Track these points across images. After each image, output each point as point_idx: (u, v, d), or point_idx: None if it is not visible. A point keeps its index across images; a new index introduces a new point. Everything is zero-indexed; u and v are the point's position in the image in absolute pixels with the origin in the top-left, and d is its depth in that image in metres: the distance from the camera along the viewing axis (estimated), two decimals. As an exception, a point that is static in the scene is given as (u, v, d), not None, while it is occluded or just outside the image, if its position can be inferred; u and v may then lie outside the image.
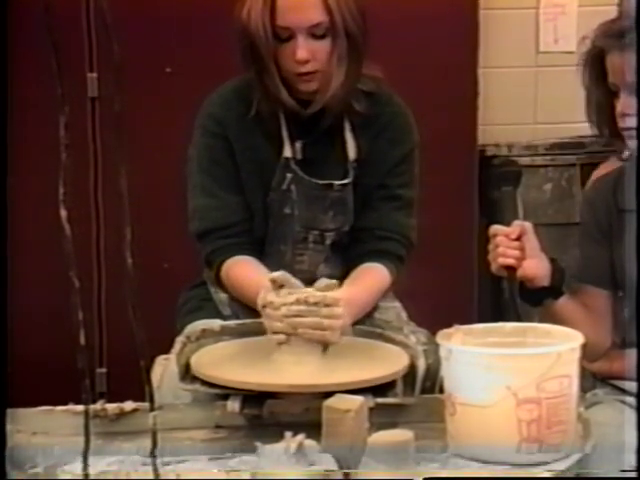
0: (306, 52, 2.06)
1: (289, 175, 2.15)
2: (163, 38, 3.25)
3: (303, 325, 1.75)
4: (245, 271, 2.10)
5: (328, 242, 2.20)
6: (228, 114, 2.17)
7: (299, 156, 2.16)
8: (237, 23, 2.09)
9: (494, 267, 1.95)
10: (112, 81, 1.22)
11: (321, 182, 2.16)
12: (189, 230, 2.20)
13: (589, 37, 1.95)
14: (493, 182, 2.06)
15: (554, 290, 1.98)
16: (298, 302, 1.75)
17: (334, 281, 1.84)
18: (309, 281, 2.05)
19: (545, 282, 1.96)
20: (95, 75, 3.23)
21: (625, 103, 1.88)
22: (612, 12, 2.96)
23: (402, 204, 2.22)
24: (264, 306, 1.78)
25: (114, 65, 1.20)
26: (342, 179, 2.18)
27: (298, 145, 2.17)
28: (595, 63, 1.94)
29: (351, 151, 2.18)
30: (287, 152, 2.15)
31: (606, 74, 1.92)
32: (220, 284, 2.17)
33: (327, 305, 1.76)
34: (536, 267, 1.94)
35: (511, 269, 1.93)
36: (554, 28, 3.73)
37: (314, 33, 2.06)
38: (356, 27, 2.08)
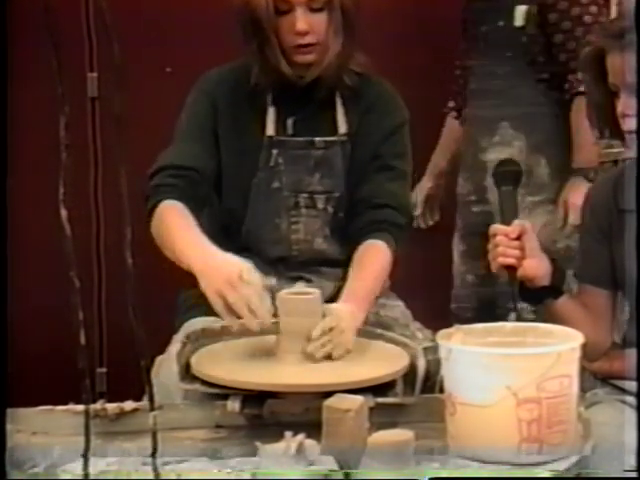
0: (305, 24, 2.12)
1: (275, 151, 2.19)
2: (163, 38, 3.26)
3: (326, 353, 1.79)
4: (176, 220, 2.04)
5: (320, 205, 2.21)
6: (220, 88, 2.22)
7: (290, 132, 2.20)
8: None
9: (494, 267, 1.95)
10: (112, 81, 1.22)
11: (302, 139, 2.20)
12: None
13: (588, 38, 1.95)
14: (493, 182, 2.06)
15: (554, 290, 1.98)
16: (323, 332, 1.79)
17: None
18: (307, 252, 2.07)
19: (545, 282, 1.96)
20: (95, 75, 3.23)
21: (625, 104, 1.88)
22: (612, 12, 2.97)
23: (396, 175, 2.24)
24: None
25: (114, 65, 1.20)
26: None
27: (290, 122, 2.20)
28: (595, 63, 1.94)
29: (341, 125, 2.22)
30: (270, 130, 2.19)
31: (606, 74, 1.92)
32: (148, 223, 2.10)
33: (342, 331, 1.81)
34: (536, 267, 1.94)
35: (511, 269, 1.93)
36: (554, 28, 3.72)
37: (312, 6, 2.12)
38: (351, 2, 2.16)
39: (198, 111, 2.23)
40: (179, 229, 2.00)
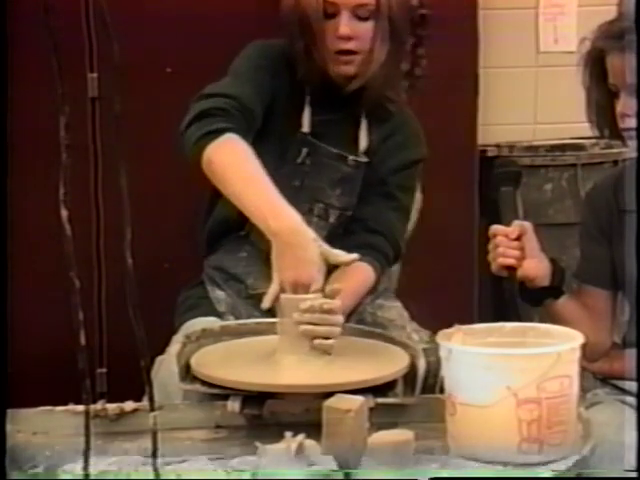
0: (348, 29, 2.11)
1: (305, 149, 2.18)
2: (163, 38, 3.25)
3: (317, 334, 1.76)
4: (257, 174, 1.88)
5: (332, 220, 2.21)
6: (279, 63, 2.18)
7: (318, 131, 2.19)
8: None
9: (494, 267, 1.95)
10: (112, 81, 1.22)
11: (335, 151, 2.19)
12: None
13: (589, 38, 1.95)
14: (493, 182, 2.07)
15: (554, 290, 1.98)
16: (313, 309, 1.76)
17: (340, 286, 1.85)
18: None
19: (545, 282, 1.97)
20: (95, 75, 3.22)
21: (625, 104, 1.88)
22: (612, 12, 2.95)
23: (398, 206, 2.25)
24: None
25: (114, 65, 1.20)
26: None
27: (315, 119, 2.19)
28: (595, 64, 1.94)
29: (362, 142, 2.22)
30: (305, 127, 2.18)
31: (606, 75, 1.92)
32: (196, 152, 1.95)
33: (334, 313, 1.78)
34: (536, 267, 1.95)
35: (511, 269, 1.93)
36: (554, 28, 3.73)
37: (358, 14, 2.11)
38: (400, 12, 2.15)
39: (260, 65, 2.16)
40: (262, 186, 1.86)
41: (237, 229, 2.19)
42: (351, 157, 2.20)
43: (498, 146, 3.48)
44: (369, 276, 2.17)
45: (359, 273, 2.15)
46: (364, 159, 2.21)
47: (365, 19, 2.12)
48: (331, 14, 2.11)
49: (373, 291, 2.25)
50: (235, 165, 1.91)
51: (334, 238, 2.19)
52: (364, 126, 2.22)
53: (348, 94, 2.18)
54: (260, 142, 2.12)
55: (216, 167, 1.91)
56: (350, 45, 2.12)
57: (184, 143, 1.98)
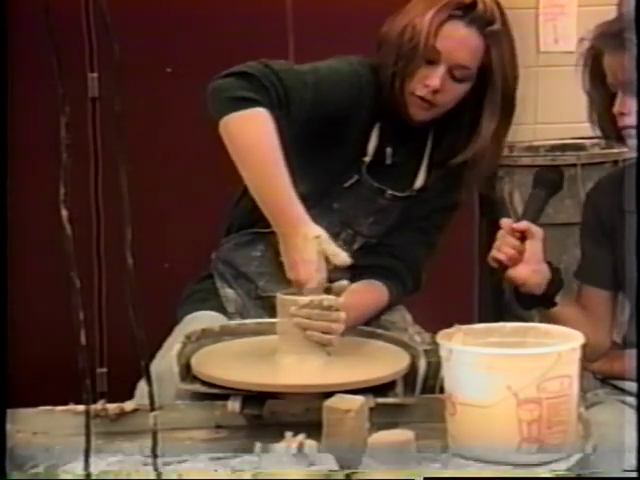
0: (439, 82, 2.04)
1: (356, 176, 2.14)
2: (163, 38, 3.26)
3: (313, 328, 1.76)
4: (277, 167, 1.86)
5: (355, 247, 2.19)
6: (367, 90, 2.09)
7: (377, 160, 2.14)
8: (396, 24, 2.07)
9: (489, 257, 1.95)
10: (112, 81, 1.22)
11: (376, 185, 2.16)
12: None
13: (587, 38, 1.95)
14: (532, 182, 2.08)
15: (546, 300, 1.97)
16: (312, 305, 1.76)
17: (346, 283, 1.85)
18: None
19: (537, 291, 1.95)
20: (95, 75, 3.23)
21: (622, 102, 1.88)
22: (612, 12, 2.96)
23: (429, 242, 2.26)
24: None
25: (114, 65, 1.20)
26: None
27: (389, 150, 2.16)
28: (593, 64, 1.94)
29: (419, 180, 2.20)
30: (368, 156, 2.14)
31: (605, 75, 1.91)
32: (217, 116, 1.89)
33: (336, 309, 1.78)
34: (528, 273, 1.93)
35: (502, 265, 1.93)
36: (554, 28, 3.73)
37: (454, 74, 2.05)
38: (509, 88, 2.11)
39: (343, 80, 2.05)
40: (280, 181, 1.85)
41: (253, 224, 2.15)
42: (389, 192, 2.17)
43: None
44: (382, 299, 2.17)
45: (373, 292, 2.16)
46: (404, 194, 2.18)
47: (459, 80, 2.06)
48: (430, 60, 2.04)
49: (382, 313, 2.22)
50: (254, 148, 1.87)
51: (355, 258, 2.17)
52: (425, 162, 2.19)
53: (417, 130, 2.15)
54: (326, 161, 2.10)
55: (235, 141, 1.88)
56: (432, 97, 2.06)
57: (212, 89, 1.91)
